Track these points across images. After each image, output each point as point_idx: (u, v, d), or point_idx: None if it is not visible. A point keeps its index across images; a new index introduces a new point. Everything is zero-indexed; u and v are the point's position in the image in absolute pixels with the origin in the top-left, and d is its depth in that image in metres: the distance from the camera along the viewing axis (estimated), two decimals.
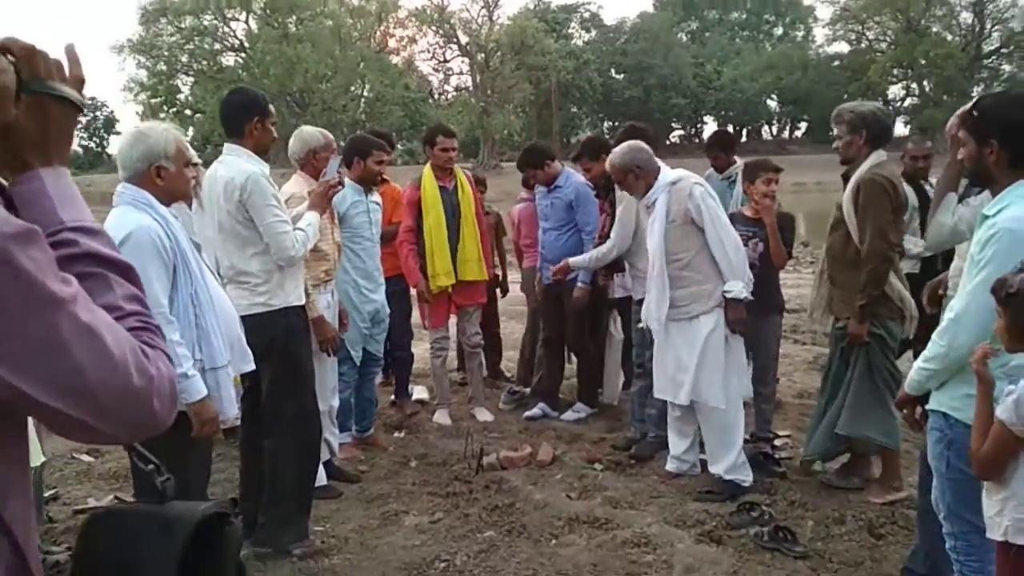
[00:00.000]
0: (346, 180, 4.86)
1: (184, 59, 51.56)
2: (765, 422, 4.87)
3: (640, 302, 4.95)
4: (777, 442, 4.96)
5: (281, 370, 3.71)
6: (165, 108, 50.33)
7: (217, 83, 48.70)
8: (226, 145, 3.75)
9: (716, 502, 4.19)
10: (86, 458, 5.19)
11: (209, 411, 2.88)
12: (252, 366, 3.23)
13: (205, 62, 51.69)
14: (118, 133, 54.58)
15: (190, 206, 4.05)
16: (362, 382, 5.17)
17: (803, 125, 66.59)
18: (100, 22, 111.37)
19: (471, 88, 54.63)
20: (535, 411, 5.71)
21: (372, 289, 4.97)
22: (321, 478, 4.43)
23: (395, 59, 54.54)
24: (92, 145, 64.08)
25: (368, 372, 5.21)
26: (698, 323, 4.29)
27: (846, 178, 4.16)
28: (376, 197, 5.10)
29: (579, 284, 5.43)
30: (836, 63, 59.30)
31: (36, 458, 2.48)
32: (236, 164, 3.60)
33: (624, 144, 4.48)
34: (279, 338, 3.68)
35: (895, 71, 54.50)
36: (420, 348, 6.61)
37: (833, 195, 6.52)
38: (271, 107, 3.81)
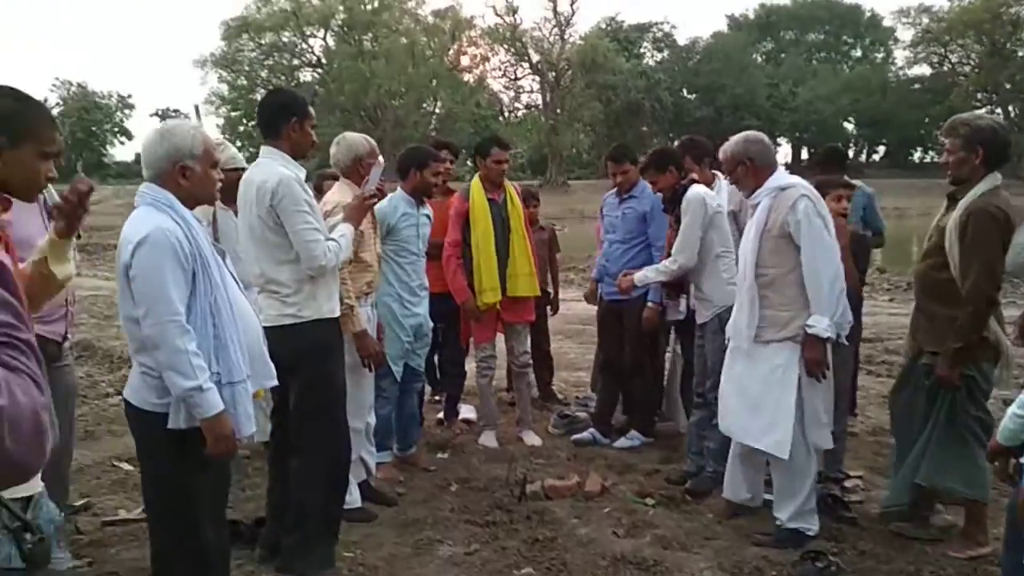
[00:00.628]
0: (399, 191, 4.70)
1: (264, 74, 52.89)
2: (836, 461, 4.46)
3: (703, 326, 4.64)
4: (848, 483, 4.56)
5: (310, 385, 3.51)
6: (244, 121, 51.64)
7: None
8: (262, 148, 3.59)
9: (776, 549, 3.83)
10: (125, 466, 5.08)
11: (224, 427, 2.68)
12: (274, 381, 3.03)
13: (283, 77, 52.87)
14: None
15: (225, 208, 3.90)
16: (404, 398, 4.96)
17: (881, 148, 64.90)
18: (185, 37, 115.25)
19: (541, 106, 54.72)
20: (585, 435, 5.42)
21: (415, 303, 4.77)
22: (356, 500, 4.23)
23: (467, 76, 55.02)
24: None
25: (410, 388, 5.00)
26: (766, 351, 3.88)
27: (952, 199, 3.76)
28: (428, 210, 4.90)
29: (649, 303, 5.13)
30: (917, 86, 57.82)
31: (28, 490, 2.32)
32: (270, 167, 3.43)
33: (741, 134, 4.13)
34: (309, 352, 3.48)
35: (979, 95, 52.73)
36: (470, 366, 6.36)
37: (914, 222, 6.14)
38: (311, 109, 3.64)
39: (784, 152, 66.09)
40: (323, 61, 53.26)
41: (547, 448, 5.38)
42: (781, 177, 3.94)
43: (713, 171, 5.05)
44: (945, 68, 55.66)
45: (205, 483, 2.79)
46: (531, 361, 5.56)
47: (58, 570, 2.54)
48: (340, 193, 4.18)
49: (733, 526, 4.11)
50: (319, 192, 5.12)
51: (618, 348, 5.41)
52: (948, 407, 3.71)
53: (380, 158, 4.11)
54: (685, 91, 60.98)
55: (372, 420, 4.47)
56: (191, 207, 2.78)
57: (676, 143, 5.14)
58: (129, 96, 66.51)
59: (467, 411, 6.05)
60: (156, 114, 59.76)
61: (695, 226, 4.60)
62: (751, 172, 3.95)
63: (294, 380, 3.51)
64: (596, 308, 5.63)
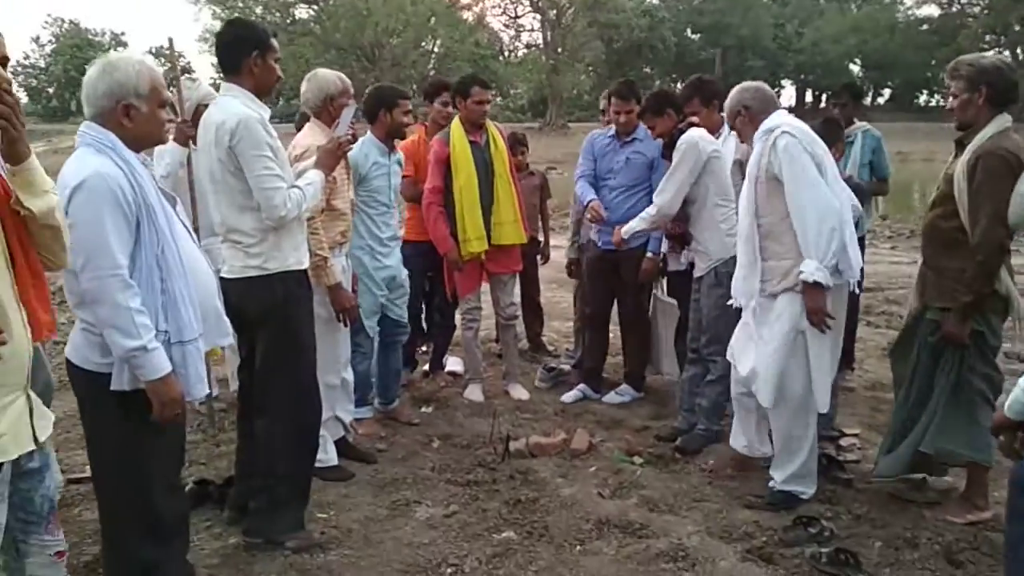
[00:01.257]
0: (369, 136, 4.44)
1: (258, 11, 51.47)
2: (828, 419, 4.23)
3: (700, 279, 4.42)
4: (843, 442, 4.41)
5: (276, 342, 3.30)
6: None
7: (290, 35, 48.75)
8: (222, 84, 3.33)
9: (768, 512, 3.68)
10: None
11: (171, 390, 2.49)
12: (229, 339, 2.85)
13: (278, 14, 51.63)
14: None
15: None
16: (387, 352, 4.77)
17: (886, 91, 63.89)
18: None
19: (541, 45, 53.61)
20: (574, 394, 5.24)
21: (386, 254, 4.52)
22: (332, 458, 4.08)
23: (466, 14, 53.78)
24: (170, 94, 64.97)
25: (394, 341, 4.79)
26: (773, 304, 3.66)
27: (961, 145, 3.53)
28: (399, 156, 4.64)
29: (649, 254, 4.90)
30: (924, 27, 56.48)
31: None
32: (230, 106, 3.17)
33: (739, 85, 3.92)
34: (275, 306, 3.27)
35: (987, 37, 51.54)
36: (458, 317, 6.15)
37: (917, 166, 5.87)
38: (274, 41, 3.34)
39: (788, 94, 65.26)
40: None
41: (534, 402, 5.20)
42: (771, 119, 3.68)
43: (722, 114, 4.75)
44: (954, 9, 54.35)
45: (155, 446, 2.62)
46: (518, 313, 5.36)
47: None
48: (311, 135, 3.92)
49: (724, 487, 3.95)
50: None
51: (608, 299, 5.20)
52: (956, 368, 3.53)
53: (352, 100, 3.84)
54: (689, 31, 59.74)
55: (349, 376, 4.28)
56: (136, 149, 2.56)
57: (683, 83, 4.77)
58: (123, 34, 65.15)
59: (453, 363, 5.87)
60: (150, 51, 58.68)
61: (682, 169, 4.33)
62: (748, 121, 3.77)
63: (260, 336, 3.32)
64: (586, 255, 5.34)
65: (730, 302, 3.94)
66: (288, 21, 51.29)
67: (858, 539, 3.45)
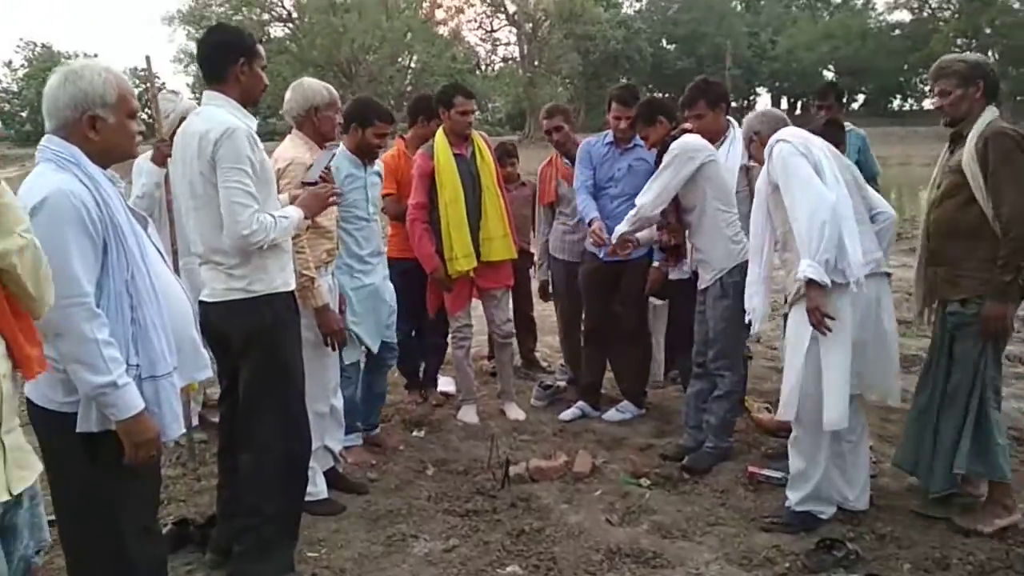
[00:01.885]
0: (341, 148, 4.20)
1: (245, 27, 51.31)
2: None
3: (704, 291, 4.21)
4: None
5: (263, 369, 3.06)
6: None
7: (267, 54, 48.38)
8: (205, 93, 3.10)
9: (788, 535, 3.47)
10: None
11: (145, 430, 2.25)
12: (208, 373, 2.60)
13: (253, 33, 51.40)
14: None
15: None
16: (373, 376, 4.52)
17: (860, 97, 64.34)
18: None
19: (518, 59, 53.71)
20: (572, 412, 5.01)
21: (366, 271, 4.27)
22: (321, 491, 3.83)
23: (442, 29, 53.76)
24: (145, 116, 64.48)
25: (380, 364, 4.54)
26: (793, 313, 3.53)
27: (959, 137, 3.53)
28: (378, 167, 4.41)
29: (655, 264, 4.71)
30: (896, 32, 57.12)
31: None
32: (214, 115, 2.93)
33: (755, 112, 3.95)
34: (261, 330, 3.03)
35: (959, 41, 52.06)
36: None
37: (894, 171, 5.78)
38: (260, 47, 3.13)
39: (764, 102, 65.60)
40: (294, 16, 51.79)
41: (531, 422, 4.98)
42: (773, 136, 3.60)
43: (728, 118, 4.58)
44: (925, 14, 54.93)
45: (128, 491, 2.37)
46: (514, 330, 5.12)
47: None
48: (292, 148, 3.69)
49: (738, 509, 3.74)
50: None
51: (607, 312, 4.99)
52: (978, 383, 3.46)
53: (334, 143, 3.59)
54: (664, 41, 60.02)
55: (339, 403, 4.04)
56: (104, 164, 2.33)
57: (691, 84, 4.55)
58: (95, 55, 64.50)
59: (445, 383, 5.62)
60: (125, 72, 58.20)
61: (668, 172, 4.09)
62: (760, 145, 3.72)
63: (245, 363, 3.08)
64: (581, 267, 5.08)
65: (747, 318, 3.77)
66: (263, 40, 51.03)
67: (885, 561, 3.25)
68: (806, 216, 3.28)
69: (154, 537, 2.56)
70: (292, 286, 3.18)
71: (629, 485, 4.02)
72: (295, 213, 3.11)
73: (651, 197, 4.14)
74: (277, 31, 52.87)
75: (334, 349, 3.80)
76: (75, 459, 2.29)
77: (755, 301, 3.68)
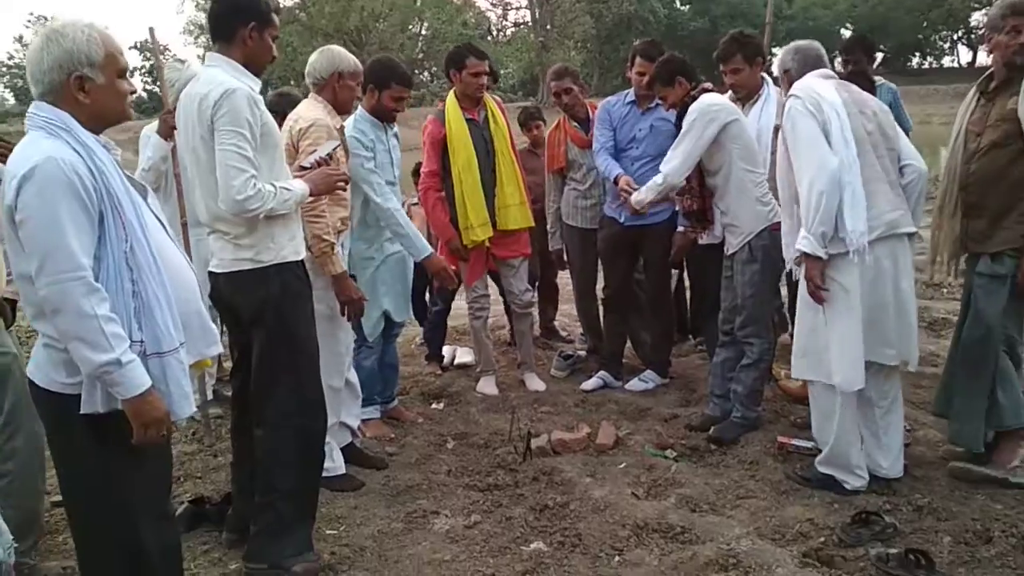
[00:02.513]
0: (360, 112, 4.09)
1: None
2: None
3: (732, 256, 4.05)
4: None
5: (274, 341, 2.95)
6: None
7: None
8: (208, 55, 2.97)
9: (822, 508, 3.35)
10: None
11: (153, 408, 2.14)
12: (218, 348, 2.48)
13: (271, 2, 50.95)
14: None
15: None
16: (385, 346, 4.41)
17: (879, 55, 63.24)
18: None
19: (530, 23, 52.99)
20: (594, 382, 4.89)
21: (390, 240, 4.17)
22: (339, 466, 3.75)
23: None
24: (156, 89, 64.46)
25: (391, 334, 4.45)
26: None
27: (995, 90, 3.47)
28: (395, 129, 4.27)
29: (679, 228, 4.54)
30: None
31: None
32: (214, 77, 2.80)
33: (790, 45, 3.70)
34: (271, 301, 2.92)
35: None
36: (457, 302, 5.80)
37: (915, 129, 5.58)
38: (275, 16, 2.99)
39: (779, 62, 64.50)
40: None
41: (552, 393, 4.87)
42: (802, 79, 3.47)
43: (763, 75, 4.39)
44: None
45: (137, 474, 2.27)
46: (534, 300, 4.98)
47: None
48: (314, 109, 3.56)
49: (769, 481, 3.62)
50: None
51: (629, 279, 4.85)
52: (989, 329, 3.46)
53: (336, 142, 3.44)
54: (678, 2, 59.01)
55: (353, 376, 3.94)
56: (97, 129, 2.20)
57: (726, 37, 4.33)
58: (105, 28, 64.36)
59: (463, 354, 5.53)
60: (134, 47, 57.97)
61: (690, 136, 3.92)
62: (788, 84, 3.55)
63: (254, 334, 2.97)
64: (599, 232, 4.94)
65: (788, 267, 3.67)
66: (272, 10, 50.57)
67: (924, 534, 3.12)
68: (805, 185, 3.25)
69: (166, 523, 2.46)
70: (302, 255, 3.07)
71: (655, 457, 3.91)
72: (300, 187, 2.98)
73: (676, 164, 3.97)
74: (286, 0, 52.41)
75: (350, 319, 3.69)
76: (81, 442, 2.20)
77: (791, 252, 3.49)
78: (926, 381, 4.74)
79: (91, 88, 2.14)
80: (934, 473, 3.62)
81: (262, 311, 2.93)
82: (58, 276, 2.00)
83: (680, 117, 4.09)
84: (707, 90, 4.12)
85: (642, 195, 4.16)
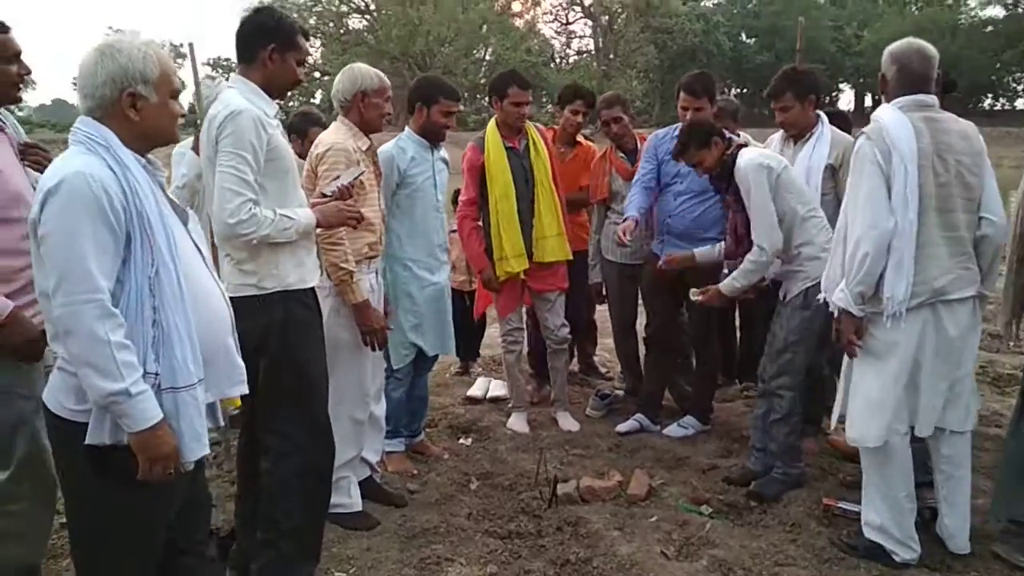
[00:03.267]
0: (407, 132, 3.98)
1: (312, 21, 51.96)
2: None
3: (785, 301, 3.82)
4: None
5: (278, 371, 2.81)
6: None
7: (343, 45, 49.18)
8: (231, 76, 2.90)
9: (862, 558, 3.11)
10: None
11: (163, 444, 1.99)
12: (242, 389, 2.31)
13: (332, 24, 52.05)
14: None
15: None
16: (415, 378, 4.25)
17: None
18: None
19: (593, 52, 53.17)
20: (630, 424, 4.66)
21: (432, 268, 4.03)
22: (356, 503, 3.59)
23: (517, 22, 53.60)
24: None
25: (421, 368, 4.29)
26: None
27: None
28: (444, 154, 4.14)
29: (724, 271, 4.30)
30: (989, 28, 54.60)
31: None
32: (228, 99, 2.73)
33: (902, 42, 3.22)
34: (274, 329, 2.79)
35: None
36: (495, 331, 5.62)
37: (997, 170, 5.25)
38: (301, 40, 2.92)
39: (847, 98, 63.74)
40: (371, 7, 52.21)
41: (585, 434, 4.65)
42: (882, 107, 3.14)
43: (817, 112, 4.18)
44: (1020, 9, 52.48)
45: (142, 513, 2.13)
46: (570, 335, 4.78)
47: None
48: (335, 133, 3.44)
49: (811, 547, 3.34)
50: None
51: (673, 317, 4.63)
52: None
53: (357, 168, 3.29)
54: (744, 35, 58.61)
55: (380, 410, 3.79)
56: (144, 149, 2.10)
57: (778, 73, 4.16)
58: (181, 45, 66.30)
59: (496, 388, 5.34)
60: (208, 63, 59.58)
61: (765, 200, 3.70)
62: (882, 90, 3.22)
63: (260, 362, 2.82)
64: (644, 267, 4.71)
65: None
66: (342, 31, 51.66)
67: None
68: (853, 240, 3.05)
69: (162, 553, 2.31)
70: (311, 283, 2.93)
71: (689, 512, 3.66)
72: (305, 217, 2.85)
73: (768, 229, 3.71)
74: (355, 23, 53.44)
75: (374, 349, 3.54)
76: (85, 471, 2.04)
77: (832, 291, 3.23)
78: (989, 443, 4.42)
79: (143, 106, 2.06)
80: (992, 549, 3.31)
81: (265, 339, 2.80)
82: (73, 297, 1.89)
83: (721, 179, 3.89)
84: (742, 145, 3.92)
85: (738, 283, 3.87)
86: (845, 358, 3.29)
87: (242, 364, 2.32)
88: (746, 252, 3.83)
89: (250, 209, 2.64)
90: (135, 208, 1.97)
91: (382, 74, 3.59)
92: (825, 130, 4.10)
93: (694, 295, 4.09)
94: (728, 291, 3.91)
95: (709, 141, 3.88)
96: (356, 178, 3.16)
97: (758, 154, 3.83)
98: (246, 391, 2.32)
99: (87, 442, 1.98)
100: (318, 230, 3.02)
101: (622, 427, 4.66)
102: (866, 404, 3.14)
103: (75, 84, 2.14)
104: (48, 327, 2.05)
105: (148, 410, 1.95)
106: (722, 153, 3.87)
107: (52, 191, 1.91)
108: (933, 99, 3.10)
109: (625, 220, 4.25)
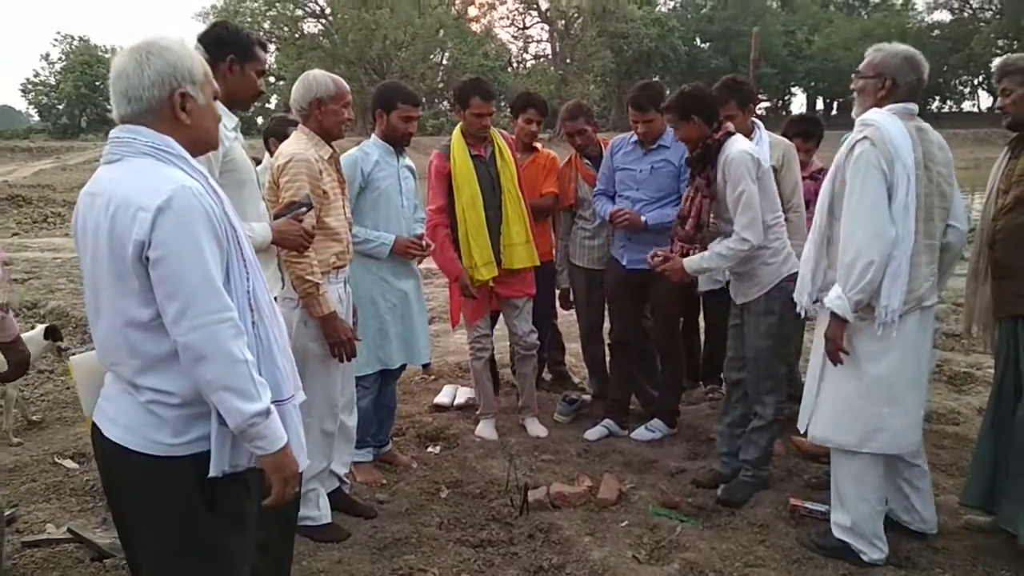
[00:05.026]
0: (372, 136, 3.98)
1: (267, 26, 51.53)
2: None
3: (745, 306, 3.85)
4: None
5: None
6: None
7: (299, 50, 48.81)
8: None
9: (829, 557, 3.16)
10: (68, 464, 4.39)
11: (292, 461, 1.92)
12: (302, 396, 2.15)
13: (287, 28, 51.68)
14: None
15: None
16: (382, 386, 4.23)
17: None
18: None
19: (550, 56, 53.40)
20: (599, 431, 4.67)
21: (397, 274, 4.02)
22: (325, 514, 3.55)
23: (474, 26, 53.69)
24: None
25: (389, 377, 4.26)
26: (821, 315, 3.22)
27: (1018, 142, 3.38)
28: (409, 161, 4.12)
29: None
30: (936, 33, 55.93)
31: None
32: None
33: (909, 51, 3.16)
34: None
35: (1000, 42, 50.97)
36: (461, 338, 5.61)
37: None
38: (259, 51, 2.91)
39: (799, 101, 64.83)
40: (327, 11, 51.89)
41: (553, 440, 4.66)
42: (875, 112, 3.09)
43: (753, 119, 4.26)
44: (965, 14, 53.90)
45: (241, 541, 2.01)
46: (539, 341, 4.78)
47: None
48: (295, 143, 3.40)
49: (780, 547, 3.39)
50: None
51: (635, 323, 4.66)
52: None
53: (306, 200, 3.16)
54: (699, 39, 59.39)
55: (351, 420, 3.75)
56: (193, 155, 1.95)
57: (719, 84, 4.28)
58: (137, 42, 65.13)
59: (464, 394, 5.33)
60: None
61: (754, 192, 3.65)
62: (880, 94, 3.13)
63: None
64: (606, 273, 4.73)
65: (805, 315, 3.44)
66: (297, 36, 51.28)
67: None
68: (853, 249, 3.00)
69: None
70: (272, 293, 2.88)
71: (659, 516, 3.69)
72: (261, 232, 2.81)
73: (751, 223, 3.63)
74: (310, 27, 53.06)
75: (342, 360, 3.50)
76: (192, 512, 1.90)
77: (809, 294, 3.29)
78: (947, 441, 4.52)
79: (192, 108, 1.91)
80: (955, 544, 3.39)
81: None
82: (207, 318, 1.77)
83: (694, 160, 3.85)
84: (731, 132, 3.86)
85: (708, 264, 3.79)
86: (812, 361, 3.33)
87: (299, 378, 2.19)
88: (703, 239, 3.83)
89: None
90: (228, 221, 1.88)
91: (339, 79, 3.53)
92: (763, 134, 4.23)
93: (656, 260, 3.94)
94: (691, 268, 3.84)
95: (688, 116, 3.77)
96: (302, 211, 3.05)
97: (750, 146, 3.79)
98: (304, 397, 2.16)
99: (211, 474, 1.85)
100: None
101: (590, 434, 4.67)
102: (845, 407, 3.15)
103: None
104: (132, 360, 1.86)
105: (279, 428, 1.87)
106: (700, 135, 3.78)
107: (163, 208, 1.75)
108: (916, 107, 3.15)
109: (610, 216, 4.39)
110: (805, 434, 3.39)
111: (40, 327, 5.04)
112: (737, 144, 3.72)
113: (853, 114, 3.21)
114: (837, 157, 3.15)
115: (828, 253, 3.19)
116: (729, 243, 3.69)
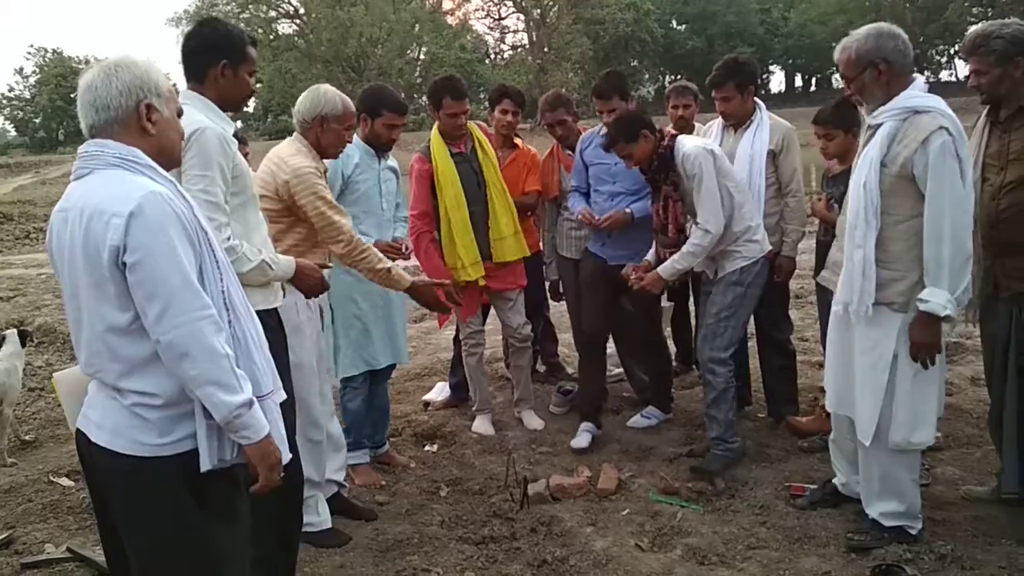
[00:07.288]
0: (355, 139, 3.93)
1: (241, 27, 51.16)
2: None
3: (719, 279, 3.86)
4: None
5: None
6: None
7: (274, 51, 48.50)
8: (182, 92, 2.80)
9: (839, 559, 3.14)
10: (64, 482, 4.35)
11: (275, 449, 1.98)
12: (283, 394, 2.18)
13: (261, 30, 51.30)
14: None
15: None
16: (374, 387, 4.21)
17: None
18: None
19: (527, 46, 53.27)
20: (584, 438, 4.41)
21: None
22: (325, 520, 3.53)
23: (450, 19, 53.48)
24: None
25: (380, 377, 4.25)
26: (867, 319, 3.07)
27: (1009, 119, 3.18)
28: (392, 163, 4.10)
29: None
30: (910, 4, 56.01)
31: None
32: (189, 115, 2.59)
33: (871, 26, 3.03)
34: None
35: (974, 10, 51.14)
36: (450, 333, 5.57)
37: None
38: (251, 50, 2.85)
39: (778, 79, 64.94)
40: (301, 11, 51.61)
41: (550, 432, 4.65)
42: (915, 95, 2.95)
43: (755, 100, 4.25)
44: None
45: (232, 534, 2.05)
46: (532, 333, 4.76)
47: None
48: (297, 155, 3.33)
49: (781, 528, 3.40)
50: None
51: (608, 319, 4.53)
52: None
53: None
54: (675, 22, 59.36)
55: (335, 428, 3.72)
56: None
57: (719, 63, 4.26)
58: (104, 59, 64.79)
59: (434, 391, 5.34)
60: None
61: (708, 183, 3.72)
62: (883, 79, 2.98)
63: None
64: (580, 264, 4.66)
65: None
66: (272, 37, 50.96)
67: None
68: (953, 244, 2.84)
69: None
70: (274, 304, 2.87)
71: (659, 503, 3.69)
72: (284, 269, 2.85)
73: (714, 214, 3.69)
74: (285, 28, 52.78)
75: (447, 312, 3.88)
76: (182, 509, 1.94)
77: (851, 288, 3.11)
78: (949, 412, 4.53)
79: (157, 119, 1.98)
80: (956, 516, 3.41)
81: None
82: (188, 316, 1.82)
83: (653, 170, 3.87)
84: (675, 135, 3.94)
85: (679, 265, 3.82)
86: (865, 368, 3.13)
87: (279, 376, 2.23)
88: (687, 239, 3.85)
89: (228, 238, 2.57)
90: (199, 224, 1.93)
91: (348, 101, 3.49)
92: (764, 116, 4.19)
93: (633, 278, 3.96)
94: (667, 275, 3.86)
95: (637, 135, 3.82)
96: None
97: (699, 141, 3.85)
98: (284, 396, 2.17)
99: (203, 469, 1.90)
100: (341, 248, 3.19)
101: (577, 443, 4.40)
102: (926, 408, 3.07)
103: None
104: (114, 365, 1.90)
105: (262, 418, 1.93)
106: (654, 147, 3.83)
107: (135, 214, 1.80)
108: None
109: (580, 214, 4.35)
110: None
111: (13, 333, 4.95)
112: (687, 141, 3.81)
113: (865, 113, 3.15)
114: (877, 149, 2.97)
115: (880, 251, 3.01)
116: (693, 239, 3.76)
